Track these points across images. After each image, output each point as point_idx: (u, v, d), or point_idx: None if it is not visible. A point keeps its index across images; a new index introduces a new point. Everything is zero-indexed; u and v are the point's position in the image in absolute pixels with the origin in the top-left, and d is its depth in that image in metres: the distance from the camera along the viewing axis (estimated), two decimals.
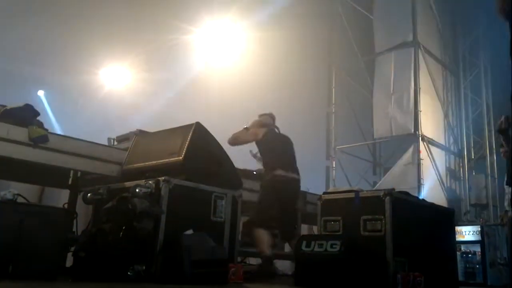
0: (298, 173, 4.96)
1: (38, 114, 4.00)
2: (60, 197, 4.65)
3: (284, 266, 6.04)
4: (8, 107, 3.87)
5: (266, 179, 4.80)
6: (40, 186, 4.86)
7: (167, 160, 3.92)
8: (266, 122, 5.17)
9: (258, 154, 5.07)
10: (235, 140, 4.89)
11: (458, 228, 6.59)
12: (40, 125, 3.94)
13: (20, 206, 3.09)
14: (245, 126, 5.06)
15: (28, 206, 3.20)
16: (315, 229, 4.98)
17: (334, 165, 11.09)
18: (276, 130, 5.19)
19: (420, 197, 6.94)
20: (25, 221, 2.99)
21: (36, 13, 7.48)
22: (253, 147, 5.09)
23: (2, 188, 3.39)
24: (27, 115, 3.91)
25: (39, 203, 4.66)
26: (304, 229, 6.24)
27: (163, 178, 3.53)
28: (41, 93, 8.33)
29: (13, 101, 4.05)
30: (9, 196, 3.05)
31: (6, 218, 2.96)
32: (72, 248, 3.35)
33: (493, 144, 11.06)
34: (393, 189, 4.05)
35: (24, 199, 3.23)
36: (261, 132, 4.99)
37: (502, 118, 3.58)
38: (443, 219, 4.82)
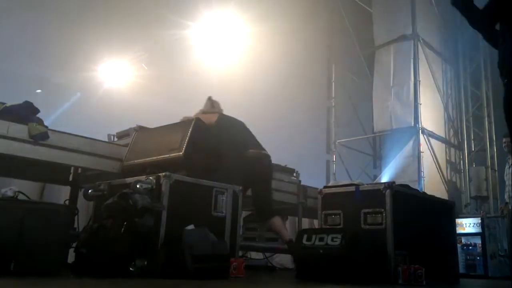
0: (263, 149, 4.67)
1: (38, 111, 4.00)
2: (61, 194, 4.66)
3: (284, 260, 6.08)
4: (7, 105, 3.87)
5: (233, 159, 4.43)
6: (41, 183, 4.87)
7: (167, 155, 3.92)
8: (212, 109, 4.80)
9: None
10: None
11: (458, 221, 6.61)
12: (40, 122, 3.94)
13: (21, 203, 3.10)
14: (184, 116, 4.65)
15: (29, 203, 3.21)
16: (316, 223, 5.00)
17: (334, 159, 11.11)
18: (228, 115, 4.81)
19: (421, 190, 6.97)
20: (26, 218, 2.99)
21: (33, 9, 7.46)
22: None
23: (3, 186, 3.40)
24: (27, 112, 3.91)
25: (40, 200, 4.67)
26: (305, 223, 6.25)
27: (163, 173, 3.54)
28: (40, 90, 8.32)
29: (12, 99, 4.05)
30: (10, 193, 3.06)
31: (7, 215, 2.96)
32: (74, 245, 3.36)
33: (493, 137, 11.06)
34: (394, 182, 4.07)
35: (25, 196, 3.24)
36: (213, 117, 4.60)
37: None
38: (443, 211, 4.84)
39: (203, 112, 4.72)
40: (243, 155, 4.49)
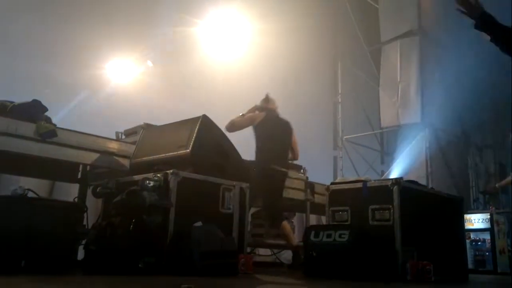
0: (286, 164, 5.09)
1: (46, 109, 4.02)
2: (70, 191, 4.69)
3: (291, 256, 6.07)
4: (16, 103, 3.90)
5: (257, 171, 4.82)
6: (50, 181, 4.90)
7: (175, 153, 3.93)
8: (264, 106, 5.17)
9: None
10: (232, 126, 4.87)
11: (467, 216, 6.58)
12: (49, 120, 3.96)
13: (31, 200, 3.13)
14: (241, 114, 5.10)
15: (38, 201, 3.23)
16: (324, 219, 5.00)
17: (341, 155, 11.08)
18: (276, 113, 5.18)
19: (428, 186, 6.94)
20: (36, 216, 3.02)
21: (41, 8, 7.49)
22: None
23: (13, 184, 3.43)
24: (35, 111, 3.93)
25: (50, 197, 4.70)
26: (313, 219, 6.25)
27: (171, 171, 3.55)
28: (48, 90, 8.36)
29: (21, 97, 4.07)
30: (20, 191, 3.08)
31: (18, 213, 2.99)
32: (83, 242, 3.38)
33: (501, 132, 10.98)
34: (401, 178, 4.05)
35: (34, 194, 3.26)
36: (258, 117, 5.01)
37: None
38: (452, 207, 4.81)
39: (256, 108, 5.16)
40: (264, 171, 4.80)
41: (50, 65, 7.42)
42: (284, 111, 5.34)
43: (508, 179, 6.92)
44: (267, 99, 5.22)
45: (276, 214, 4.96)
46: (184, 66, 8.75)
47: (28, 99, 4.02)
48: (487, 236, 6.77)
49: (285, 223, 4.92)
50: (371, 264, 3.55)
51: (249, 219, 4.74)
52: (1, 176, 4.61)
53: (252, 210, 5.28)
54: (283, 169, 4.98)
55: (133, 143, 4.51)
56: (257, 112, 5.13)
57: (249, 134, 5.09)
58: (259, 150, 4.94)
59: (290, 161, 5.37)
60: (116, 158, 4.35)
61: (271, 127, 5.02)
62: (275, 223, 4.99)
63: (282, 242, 5.25)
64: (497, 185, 7.04)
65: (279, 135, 5.06)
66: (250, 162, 4.97)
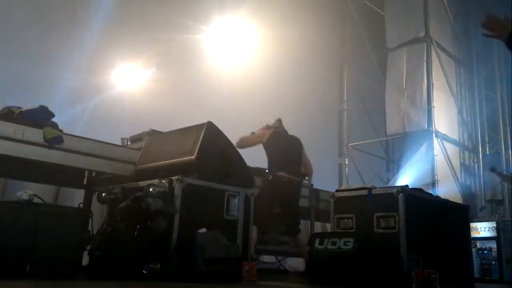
0: (299, 175, 5.11)
1: (53, 115, 4.05)
2: (75, 197, 4.71)
3: (296, 263, 6.05)
4: (23, 109, 3.93)
5: (268, 179, 4.89)
6: (55, 186, 4.92)
7: (180, 159, 3.94)
8: (272, 125, 5.29)
9: None
10: (242, 142, 4.94)
11: (473, 224, 6.54)
12: (55, 126, 3.99)
13: (36, 206, 3.14)
14: (252, 132, 5.24)
15: (44, 206, 3.24)
16: (328, 227, 4.99)
17: (347, 162, 11.05)
18: (284, 131, 5.27)
19: (434, 194, 6.91)
20: (41, 221, 3.03)
21: (47, 14, 7.55)
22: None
23: (18, 189, 3.45)
24: (42, 117, 3.95)
25: (55, 203, 4.72)
26: (318, 227, 6.23)
27: (176, 177, 3.56)
28: (54, 94, 8.40)
29: (28, 103, 4.10)
30: (25, 196, 3.10)
31: (23, 218, 3.01)
32: (88, 247, 3.39)
33: (508, 139, 10.93)
34: (407, 186, 4.04)
35: (40, 199, 3.27)
36: (267, 134, 5.11)
37: None
38: (457, 215, 4.79)
39: (267, 127, 5.28)
40: (275, 177, 4.83)
41: (57, 71, 7.47)
42: (289, 118, 5.35)
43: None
44: (280, 122, 5.35)
45: (292, 222, 4.97)
46: (190, 73, 8.79)
47: (35, 105, 4.05)
48: (493, 245, 6.72)
49: (302, 235, 4.96)
50: (376, 272, 3.53)
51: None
52: (7, 181, 4.64)
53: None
54: (293, 177, 4.99)
55: (139, 149, 4.52)
56: (266, 130, 5.23)
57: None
58: (271, 164, 5.00)
59: (305, 180, 5.42)
60: (122, 164, 4.36)
61: (281, 142, 5.11)
62: (290, 230, 5.00)
63: (286, 249, 5.25)
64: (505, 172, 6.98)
65: (290, 149, 5.13)
66: (255, 169, 4.99)
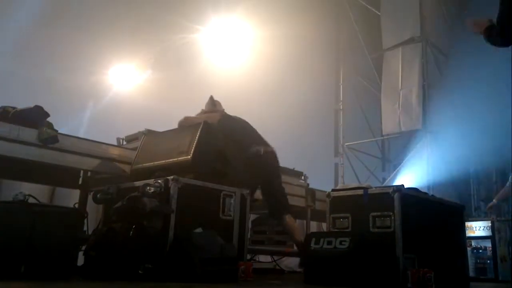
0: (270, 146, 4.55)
1: (48, 115, 4.04)
2: (70, 197, 4.70)
3: (292, 263, 6.07)
4: (18, 109, 3.91)
5: (239, 161, 4.35)
6: (50, 187, 4.91)
7: (175, 159, 3.94)
8: (212, 109, 4.75)
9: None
10: (185, 121, 4.51)
11: (468, 224, 6.56)
12: (50, 126, 3.97)
13: (31, 206, 3.13)
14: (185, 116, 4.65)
15: (39, 207, 3.23)
16: (324, 226, 4.99)
17: (342, 162, 11.07)
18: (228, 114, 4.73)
19: (430, 193, 6.92)
20: (36, 221, 3.02)
21: (44, 14, 7.53)
22: None
23: (13, 189, 3.44)
24: (37, 117, 3.94)
25: (50, 203, 4.71)
26: (313, 226, 6.24)
27: (172, 177, 3.55)
28: (50, 94, 8.37)
29: (23, 103, 4.09)
30: (20, 196, 3.09)
31: (18, 218, 3.00)
32: (83, 248, 3.38)
33: None
34: (402, 185, 4.04)
35: (35, 199, 3.27)
36: (214, 118, 4.48)
37: None
38: (453, 214, 4.81)
39: (205, 112, 4.70)
40: (246, 154, 4.36)
41: (52, 71, 7.44)
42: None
43: (504, 191, 6.93)
44: (213, 102, 4.81)
45: (277, 203, 4.48)
46: (186, 73, 8.79)
47: (30, 104, 4.03)
48: (488, 244, 6.74)
49: (289, 218, 4.44)
50: (372, 272, 3.54)
51: (249, 225, 4.71)
52: (2, 182, 4.63)
53: (253, 217, 5.27)
54: (269, 148, 4.48)
55: (134, 149, 4.52)
56: (212, 113, 4.64)
57: None
58: (232, 145, 4.40)
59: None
60: (117, 164, 4.36)
61: (234, 123, 4.61)
62: (277, 215, 4.50)
63: (282, 249, 5.24)
64: (494, 200, 7.05)
65: (250, 129, 4.64)
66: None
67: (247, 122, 4.70)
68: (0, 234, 2.91)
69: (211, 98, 4.83)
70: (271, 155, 4.52)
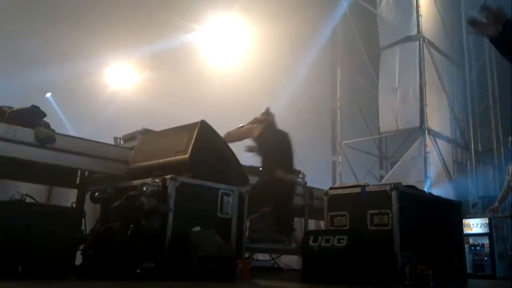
0: (295, 172, 5.11)
1: (44, 115, 4.02)
2: (68, 197, 4.68)
3: (291, 261, 6.07)
4: (14, 109, 3.90)
5: (265, 179, 4.78)
6: (48, 186, 4.89)
7: (173, 158, 3.94)
8: (262, 118, 5.10)
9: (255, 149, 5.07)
10: (228, 137, 4.80)
11: (466, 221, 6.57)
12: (47, 126, 3.96)
13: (28, 206, 3.13)
14: (241, 125, 5.08)
15: (36, 206, 3.23)
16: (322, 224, 5.00)
17: (340, 160, 11.08)
18: (274, 125, 5.12)
19: (427, 191, 6.94)
20: (33, 221, 3.02)
21: (42, 14, 7.51)
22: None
23: (11, 189, 3.42)
24: (33, 116, 3.93)
25: (47, 203, 4.69)
26: (311, 224, 6.25)
27: (169, 176, 3.55)
28: (49, 95, 8.36)
29: (19, 103, 4.07)
30: (17, 196, 3.08)
31: (15, 218, 2.99)
32: (81, 247, 3.38)
33: (500, 136, 11.00)
34: (400, 183, 4.05)
35: (32, 199, 3.26)
36: (257, 129, 4.95)
37: None
38: (450, 212, 4.82)
39: (255, 121, 5.10)
40: (273, 178, 4.72)
41: (49, 70, 7.43)
42: (282, 116, 5.34)
43: (503, 192, 6.94)
44: (267, 113, 5.16)
45: (286, 224, 4.95)
46: (183, 72, 8.78)
47: (27, 104, 4.02)
48: (486, 241, 6.76)
49: (297, 236, 4.93)
50: (370, 269, 3.55)
51: (247, 224, 4.72)
52: None
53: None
54: (291, 177, 4.94)
55: (132, 148, 4.51)
56: (256, 124, 5.06)
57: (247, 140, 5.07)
58: (266, 161, 4.89)
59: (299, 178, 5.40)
60: (115, 163, 4.35)
61: (274, 138, 4.96)
62: (283, 229, 4.99)
63: (280, 247, 5.26)
64: (496, 203, 7.04)
65: (284, 146, 5.01)
66: (249, 167, 4.95)
67: (286, 139, 5.04)
68: None
69: (267, 109, 5.19)
70: (292, 184, 5.00)
